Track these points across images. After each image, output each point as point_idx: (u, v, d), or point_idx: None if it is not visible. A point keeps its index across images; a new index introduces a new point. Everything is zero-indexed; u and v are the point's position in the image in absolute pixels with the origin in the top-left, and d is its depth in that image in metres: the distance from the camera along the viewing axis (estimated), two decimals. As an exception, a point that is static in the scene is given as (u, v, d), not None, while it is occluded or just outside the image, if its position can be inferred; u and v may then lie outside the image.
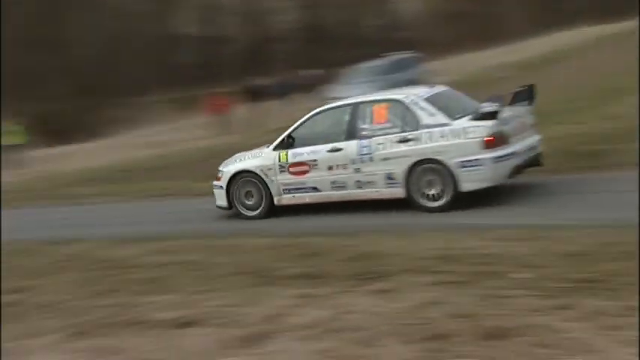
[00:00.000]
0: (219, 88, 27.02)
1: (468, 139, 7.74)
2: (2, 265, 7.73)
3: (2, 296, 6.26)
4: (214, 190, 9.38)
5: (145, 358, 4.40)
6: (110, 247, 8.30)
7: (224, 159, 9.78)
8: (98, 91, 33.47)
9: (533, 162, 8.38)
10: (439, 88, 8.92)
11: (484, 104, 7.88)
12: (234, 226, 8.87)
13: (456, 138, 7.79)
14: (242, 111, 24.06)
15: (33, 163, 21.07)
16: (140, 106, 34.45)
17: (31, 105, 30.30)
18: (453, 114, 8.05)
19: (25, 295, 6.32)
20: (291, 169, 8.74)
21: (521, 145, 8.08)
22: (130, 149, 20.89)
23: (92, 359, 4.43)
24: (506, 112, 7.98)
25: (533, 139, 8.43)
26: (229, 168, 9.26)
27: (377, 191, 8.30)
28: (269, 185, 8.87)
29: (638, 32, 23.40)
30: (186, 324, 5.03)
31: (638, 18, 27.58)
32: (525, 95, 8.51)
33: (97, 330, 5.08)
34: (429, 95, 8.36)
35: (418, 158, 7.95)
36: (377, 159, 8.20)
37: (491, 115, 7.74)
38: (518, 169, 8.04)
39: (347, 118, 8.55)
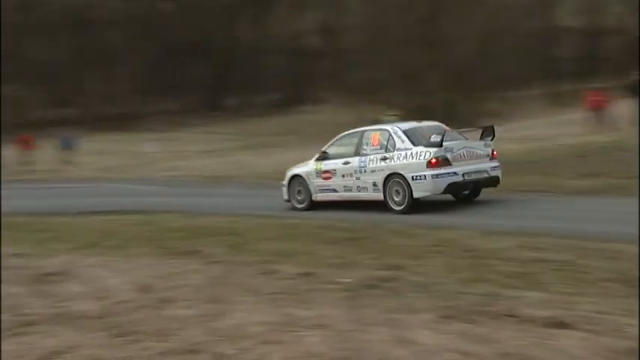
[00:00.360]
0: (600, 83, 25.34)
1: (419, 159, 10.52)
2: (375, 242, 8.44)
3: (382, 272, 6.82)
4: (282, 188, 12.51)
5: (517, 353, 4.35)
6: (479, 237, 8.43)
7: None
8: (471, 86, 34.23)
9: (485, 183, 11.04)
10: (425, 123, 11.61)
11: (434, 136, 10.55)
12: (606, 229, 8.33)
13: (413, 159, 10.59)
14: (623, 108, 22.23)
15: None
16: (511, 101, 34.29)
17: (410, 98, 32.37)
18: (420, 142, 10.71)
19: (401, 273, 6.77)
20: (322, 175, 11.91)
21: (464, 168, 10.61)
22: (499, 143, 20.82)
23: (463, 344, 4.54)
24: (454, 143, 10.61)
25: (484, 165, 10.90)
26: (289, 172, 12.49)
27: (368, 194, 11.24)
28: (309, 186, 12.06)
29: None
30: (557, 325, 4.85)
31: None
32: (490, 132, 11.16)
33: (466, 316, 5.19)
34: (407, 128, 11.17)
35: (390, 172, 10.82)
36: (368, 171, 11.16)
37: (437, 144, 10.42)
38: (457, 185, 10.68)
39: (356, 140, 11.60)
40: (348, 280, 6.49)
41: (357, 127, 12.79)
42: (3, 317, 5.52)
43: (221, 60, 44.75)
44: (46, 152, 25.56)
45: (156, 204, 14.03)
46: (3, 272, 7.40)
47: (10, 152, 26.10)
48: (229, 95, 46.56)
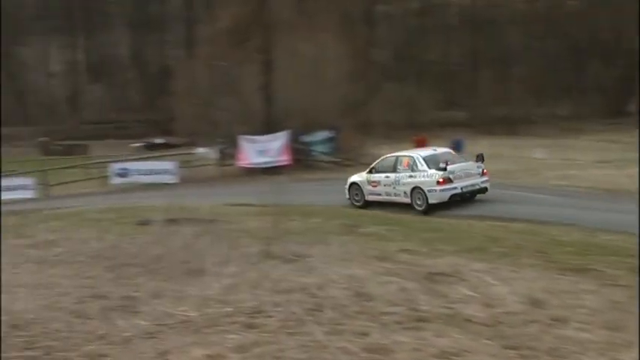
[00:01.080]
0: None
1: (432, 179, 15.98)
2: None
3: None
4: (345, 190, 17.56)
5: None
6: None
7: None
8: None
9: (477, 192, 16.42)
10: (439, 150, 17.35)
11: (441, 163, 16.00)
12: None
13: (428, 178, 16.06)
14: None
15: None
16: None
17: None
18: (434, 165, 16.18)
19: None
20: (371, 184, 17.09)
21: (462, 183, 16.03)
22: None
23: None
24: (455, 166, 16.15)
25: (476, 180, 16.30)
26: (350, 180, 17.68)
27: (400, 199, 16.46)
28: (363, 190, 17.26)
29: None
30: None
31: None
32: (480, 158, 16.69)
33: None
34: (426, 155, 16.80)
35: (414, 185, 16.27)
36: (401, 183, 16.51)
37: (443, 168, 15.88)
38: (457, 196, 15.96)
39: (393, 162, 17.07)
40: None
41: None
42: (398, 310, 6.02)
43: (628, 61, 41.77)
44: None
45: (543, 214, 13.80)
46: (395, 267, 8.07)
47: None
48: (634, 100, 43.22)
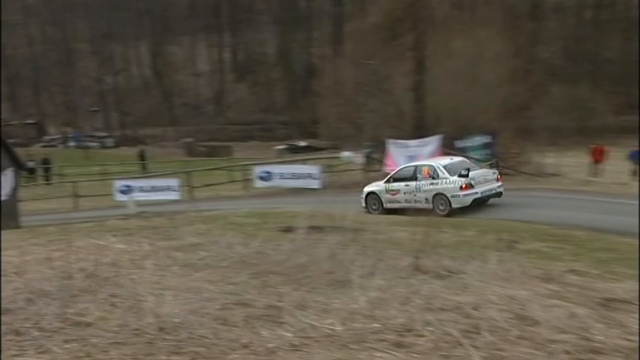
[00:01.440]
0: None
1: (455, 185, 18.85)
2: None
3: None
4: (361, 199, 20.49)
5: None
6: None
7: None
8: None
9: (494, 196, 19.43)
10: (456, 159, 20.60)
11: (462, 170, 18.93)
12: None
13: (451, 184, 18.88)
14: None
15: None
16: None
17: None
18: (454, 173, 19.08)
19: None
20: (390, 192, 20.16)
21: (482, 189, 18.98)
22: None
23: None
24: (474, 173, 19.16)
25: (493, 185, 19.42)
26: (366, 189, 20.83)
27: (421, 205, 19.02)
28: (381, 198, 20.27)
29: None
30: None
31: None
32: (495, 165, 21.93)
33: None
34: (446, 163, 19.72)
35: (436, 192, 19.13)
36: (422, 190, 19.38)
37: (465, 175, 18.81)
38: (478, 200, 18.88)
39: (413, 170, 20.03)
40: None
41: None
42: (567, 338, 5.77)
43: None
44: (615, 163, 25.78)
45: None
46: (563, 289, 7.74)
47: (575, 160, 27.17)
48: None
